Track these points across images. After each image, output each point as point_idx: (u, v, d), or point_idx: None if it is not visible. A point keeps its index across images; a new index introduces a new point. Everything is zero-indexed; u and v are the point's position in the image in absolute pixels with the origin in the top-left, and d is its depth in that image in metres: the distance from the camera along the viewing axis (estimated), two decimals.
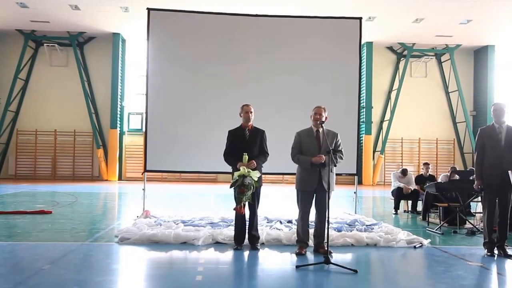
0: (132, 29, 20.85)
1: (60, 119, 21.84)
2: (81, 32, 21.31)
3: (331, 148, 5.64)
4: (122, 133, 22.35)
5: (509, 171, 5.86)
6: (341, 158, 6.01)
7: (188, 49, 9.09)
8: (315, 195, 5.98)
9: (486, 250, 6.14)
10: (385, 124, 22.66)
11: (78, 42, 21.78)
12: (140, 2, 16.49)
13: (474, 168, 6.39)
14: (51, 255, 5.73)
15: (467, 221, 8.28)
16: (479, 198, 8.03)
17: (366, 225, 7.82)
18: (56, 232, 7.25)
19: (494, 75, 22.68)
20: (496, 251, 6.10)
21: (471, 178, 7.85)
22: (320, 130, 5.93)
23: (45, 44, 21.76)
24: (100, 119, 22.17)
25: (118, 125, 21.95)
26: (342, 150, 6.08)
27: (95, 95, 22.21)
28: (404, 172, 10.71)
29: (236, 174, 5.87)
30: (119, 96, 21.93)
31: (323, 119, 5.90)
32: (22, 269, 5.12)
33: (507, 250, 6.07)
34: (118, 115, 21.94)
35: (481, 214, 6.53)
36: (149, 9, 9.09)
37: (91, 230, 7.63)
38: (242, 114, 6.39)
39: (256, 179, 5.89)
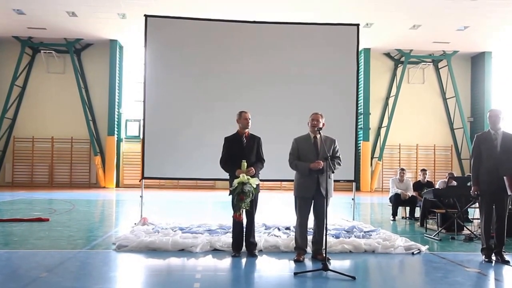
0: (130, 36, 20.87)
1: (57, 126, 21.80)
2: (78, 38, 21.32)
3: (328, 155, 5.65)
4: (119, 140, 22.32)
5: (505, 177, 5.88)
6: (339, 165, 6.02)
7: (186, 56, 9.09)
8: (313, 201, 5.98)
9: (483, 256, 6.15)
10: (382, 131, 22.70)
11: (75, 48, 21.80)
12: (137, 9, 16.56)
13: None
14: (48, 262, 5.71)
15: (465, 227, 8.29)
16: (477, 204, 8.05)
17: (364, 232, 7.81)
18: (53, 240, 7.22)
19: (491, 81, 22.77)
20: (493, 257, 6.10)
21: (468, 184, 7.87)
22: (318, 136, 5.94)
23: (42, 51, 21.76)
24: (97, 126, 22.15)
25: (116, 132, 21.94)
26: (340, 156, 6.09)
27: (93, 102, 22.20)
28: (403, 170, 10.67)
29: (236, 181, 5.85)
30: (116, 103, 21.94)
31: (321, 125, 5.92)
32: (19, 277, 5.09)
33: (504, 256, 6.07)
34: (116, 122, 21.93)
35: (479, 220, 6.53)
36: (146, 16, 9.09)
37: (88, 237, 7.60)
38: (239, 121, 6.34)
39: (255, 186, 5.89)
